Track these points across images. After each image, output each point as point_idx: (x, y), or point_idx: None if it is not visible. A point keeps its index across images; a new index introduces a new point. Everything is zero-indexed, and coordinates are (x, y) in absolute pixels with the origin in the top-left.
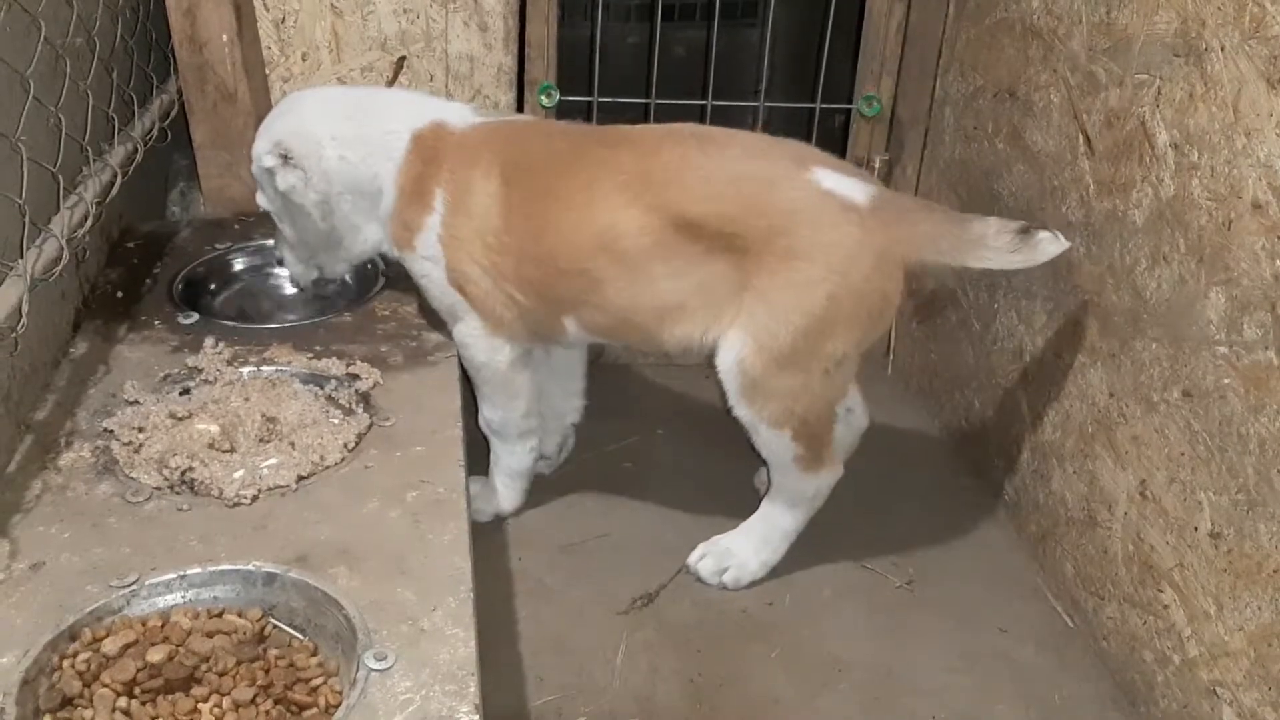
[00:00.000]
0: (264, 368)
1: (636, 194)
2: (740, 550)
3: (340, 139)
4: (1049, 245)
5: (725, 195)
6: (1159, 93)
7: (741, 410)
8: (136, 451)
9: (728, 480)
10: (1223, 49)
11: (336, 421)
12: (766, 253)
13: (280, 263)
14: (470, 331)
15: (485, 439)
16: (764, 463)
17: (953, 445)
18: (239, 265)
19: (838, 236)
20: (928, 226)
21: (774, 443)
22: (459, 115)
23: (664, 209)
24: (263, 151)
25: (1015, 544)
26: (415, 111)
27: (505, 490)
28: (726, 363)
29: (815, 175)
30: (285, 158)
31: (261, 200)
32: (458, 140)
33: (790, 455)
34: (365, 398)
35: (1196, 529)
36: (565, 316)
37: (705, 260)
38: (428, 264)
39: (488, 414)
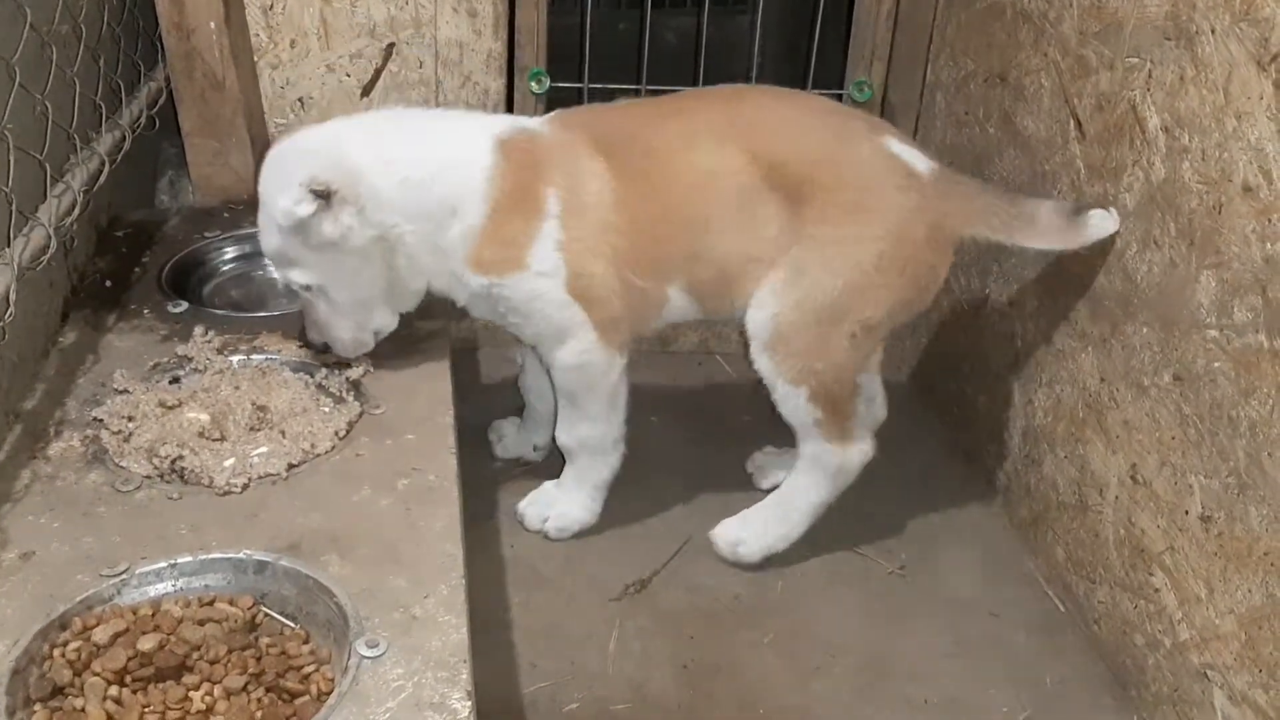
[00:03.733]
0: (254, 356)
1: (729, 137)
2: (759, 522)
3: (396, 160)
4: (1101, 223)
5: (810, 139)
6: (1150, 76)
7: (762, 361)
8: (126, 440)
9: (720, 468)
10: (1213, 31)
11: (327, 409)
12: (831, 203)
13: (315, 347)
14: (584, 349)
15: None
16: (760, 448)
17: (944, 431)
18: (229, 253)
19: (900, 199)
20: (981, 202)
21: (791, 400)
22: (529, 120)
23: (753, 149)
24: (290, 203)
25: (1007, 529)
26: (484, 121)
27: (591, 502)
28: (761, 314)
29: (886, 140)
30: (324, 196)
31: (296, 275)
32: (549, 136)
33: (810, 418)
34: (356, 385)
35: (1187, 513)
36: (671, 284)
37: (781, 209)
38: (543, 281)
39: (586, 431)
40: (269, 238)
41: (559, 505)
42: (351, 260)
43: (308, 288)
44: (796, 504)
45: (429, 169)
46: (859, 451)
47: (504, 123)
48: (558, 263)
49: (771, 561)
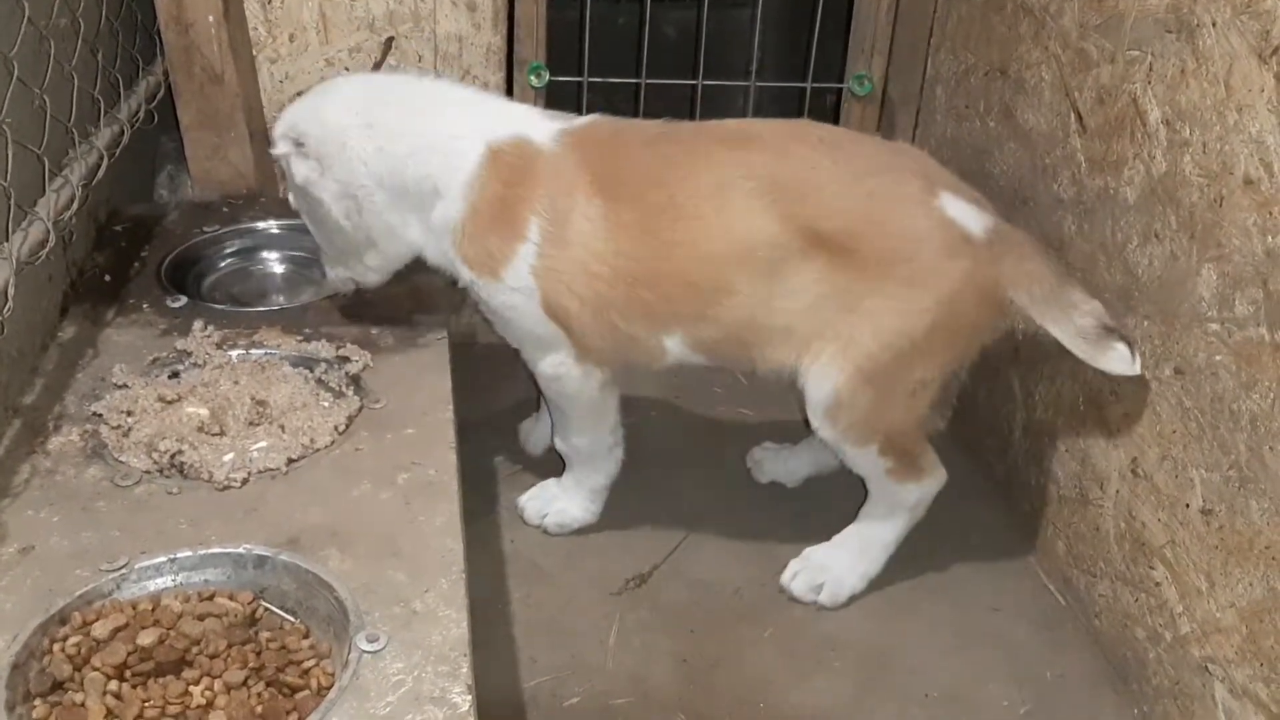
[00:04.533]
0: (253, 351)
1: (771, 200)
2: (836, 564)
3: (379, 128)
4: (1117, 361)
5: (856, 211)
6: (1151, 69)
7: (826, 431)
8: (125, 435)
9: (721, 463)
10: (1214, 24)
11: (327, 404)
12: (885, 278)
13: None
14: (562, 362)
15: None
16: (758, 442)
17: (944, 424)
18: (228, 248)
19: (952, 268)
20: (1032, 267)
21: (861, 459)
22: (541, 128)
23: (797, 219)
24: (276, 136)
25: (1007, 522)
26: (487, 119)
27: (590, 503)
28: (821, 389)
29: (941, 201)
30: (298, 144)
31: (291, 198)
32: (549, 160)
33: (882, 469)
34: (355, 380)
35: (1188, 506)
36: (670, 336)
37: (821, 279)
38: (516, 296)
39: (576, 441)
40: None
41: (558, 503)
42: (317, 208)
43: (297, 213)
44: (876, 542)
45: (409, 146)
46: (934, 481)
47: (508, 128)
48: (532, 286)
49: (770, 556)
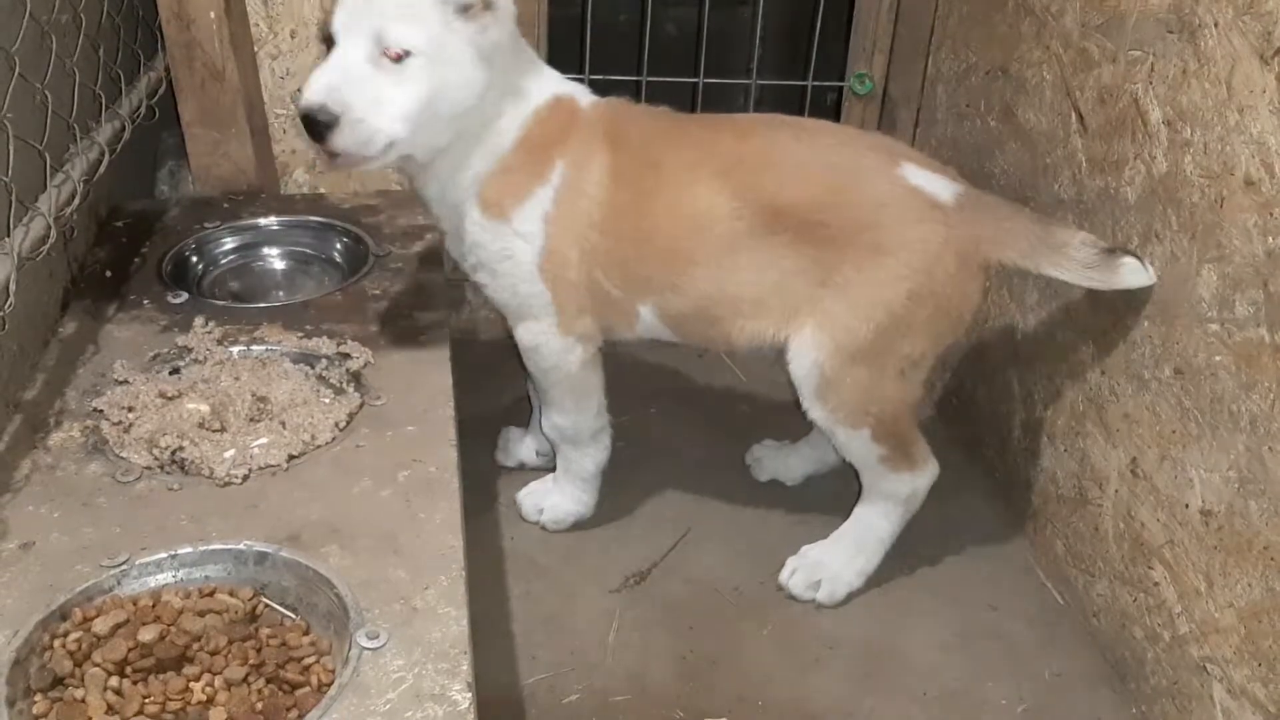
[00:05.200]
0: (254, 347)
1: (731, 177)
2: (833, 561)
3: (509, 25)
4: (1133, 273)
5: (815, 182)
6: (1152, 69)
7: (816, 411)
8: (126, 431)
9: (721, 459)
10: (1216, 25)
11: (327, 401)
12: (850, 246)
13: (313, 112)
14: (542, 330)
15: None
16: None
17: (944, 423)
18: (229, 244)
19: (922, 233)
20: (1011, 226)
21: (854, 444)
22: (582, 92)
23: (755, 193)
24: None
25: (1006, 522)
26: (544, 76)
27: (582, 494)
28: (803, 364)
29: (903, 170)
30: (488, 5)
31: (406, 32)
32: (586, 114)
33: (874, 456)
34: (356, 377)
35: (1187, 506)
36: (644, 303)
37: (788, 253)
38: (518, 242)
39: (558, 420)
40: None
41: (552, 496)
42: (470, 69)
43: (402, 57)
44: (872, 537)
45: (519, 76)
46: (927, 473)
47: (568, 88)
48: (537, 232)
49: (769, 555)
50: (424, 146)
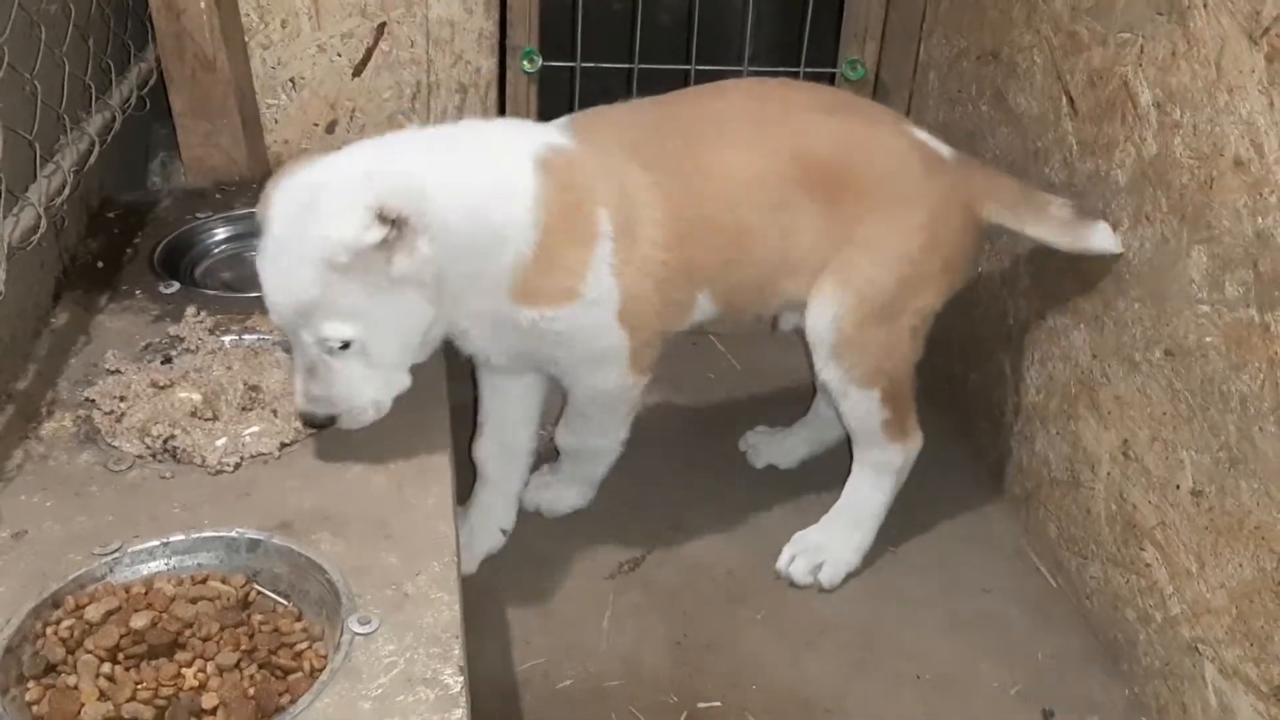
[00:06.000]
0: (246, 336)
1: (765, 136)
2: (831, 541)
3: (460, 186)
4: (1104, 238)
5: (839, 139)
6: (1142, 51)
7: (831, 371)
8: (118, 420)
9: (714, 447)
10: (1205, 6)
11: None
12: (872, 197)
13: (316, 422)
14: (619, 376)
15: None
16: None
17: (936, 408)
18: (220, 234)
19: (935, 184)
20: (1000, 182)
21: (862, 405)
22: (546, 132)
23: (791, 149)
24: (353, 231)
25: (999, 505)
26: (509, 141)
27: (589, 491)
28: (822, 320)
29: (907, 125)
30: (394, 224)
31: (333, 329)
32: (584, 151)
33: (879, 420)
34: None
35: (1178, 487)
36: (701, 290)
37: (820, 209)
38: (596, 310)
39: (596, 442)
40: (300, 285)
41: (554, 489)
42: (413, 301)
43: (346, 344)
44: (866, 512)
45: (486, 195)
46: (916, 443)
47: (537, 141)
48: (611, 287)
49: (763, 539)
50: (432, 347)
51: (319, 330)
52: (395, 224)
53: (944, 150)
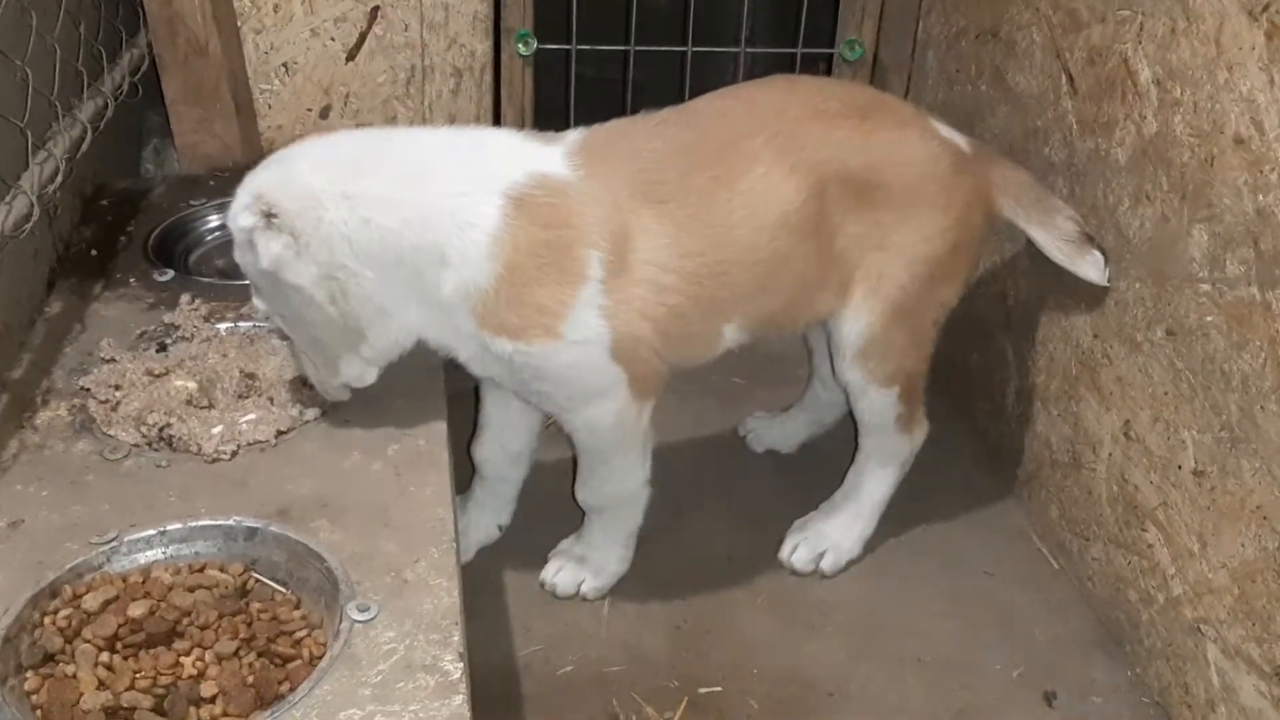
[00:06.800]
0: (242, 323)
1: (789, 157)
2: (834, 530)
3: (363, 198)
4: (1092, 267)
5: (868, 147)
6: (1141, 28)
7: (853, 373)
8: (114, 409)
9: (712, 433)
10: None
11: None
12: (903, 204)
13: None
14: (618, 408)
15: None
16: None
17: (937, 390)
18: (214, 221)
19: (961, 184)
20: (1015, 178)
21: (879, 403)
22: (545, 156)
23: (817, 165)
24: (239, 207)
25: (1000, 487)
26: (487, 167)
27: (626, 551)
28: (854, 329)
29: (932, 122)
30: (268, 216)
31: (255, 299)
32: (582, 187)
33: (893, 415)
34: None
35: (1180, 468)
36: (729, 322)
37: (852, 222)
38: (580, 350)
39: (616, 489)
40: (230, 224)
41: (591, 564)
42: (295, 296)
43: (266, 317)
44: (870, 501)
45: (407, 214)
46: (923, 433)
47: (516, 170)
48: (601, 330)
49: (762, 522)
50: (375, 361)
51: (253, 298)
52: (266, 217)
53: (964, 143)
